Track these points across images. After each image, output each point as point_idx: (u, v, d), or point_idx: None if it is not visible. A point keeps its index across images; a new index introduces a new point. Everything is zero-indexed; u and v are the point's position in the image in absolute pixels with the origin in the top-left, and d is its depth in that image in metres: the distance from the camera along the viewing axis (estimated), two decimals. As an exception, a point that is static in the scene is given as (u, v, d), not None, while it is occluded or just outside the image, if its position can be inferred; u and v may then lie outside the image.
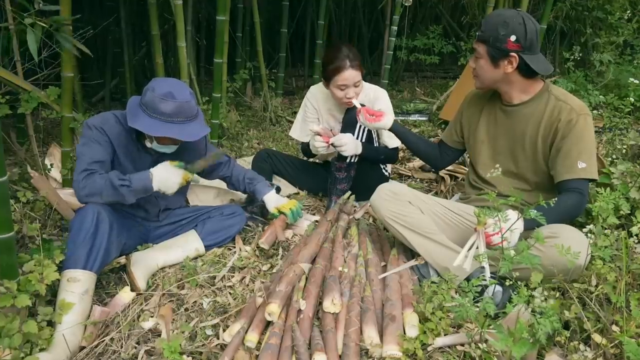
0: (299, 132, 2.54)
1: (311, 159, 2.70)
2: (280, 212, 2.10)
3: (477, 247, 1.49)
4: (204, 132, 1.79)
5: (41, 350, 1.40)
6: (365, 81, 2.38)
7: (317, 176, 2.57)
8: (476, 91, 1.93)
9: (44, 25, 1.86)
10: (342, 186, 2.33)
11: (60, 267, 1.57)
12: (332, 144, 2.18)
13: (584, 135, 1.62)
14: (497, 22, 1.63)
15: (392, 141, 2.34)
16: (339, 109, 2.40)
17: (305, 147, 2.51)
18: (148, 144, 1.84)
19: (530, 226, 1.52)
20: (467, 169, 2.02)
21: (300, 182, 2.62)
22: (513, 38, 1.60)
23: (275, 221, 2.09)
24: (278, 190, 2.48)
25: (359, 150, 2.22)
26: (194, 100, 1.77)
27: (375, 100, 2.34)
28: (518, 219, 1.44)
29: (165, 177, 1.75)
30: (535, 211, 1.28)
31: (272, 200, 2.12)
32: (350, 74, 2.18)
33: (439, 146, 2.11)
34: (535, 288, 1.34)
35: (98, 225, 1.62)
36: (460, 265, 1.49)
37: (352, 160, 2.27)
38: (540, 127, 1.69)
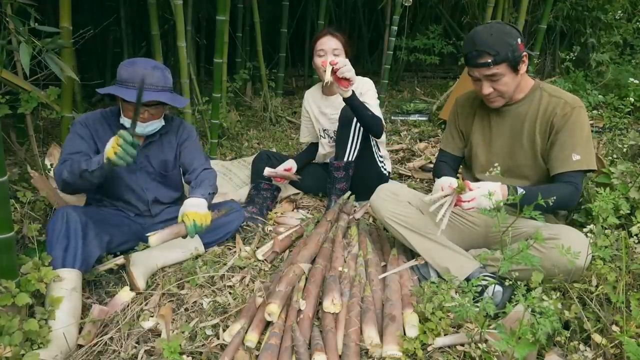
0: (301, 135, 2.72)
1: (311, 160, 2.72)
2: (183, 220, 1.75)
3: (447, 204, 1.59)
4: (154, 97, 1.71)
5: (39, 347, 1.40)
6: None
7: (317, 176, 2.59)
8: (464, 97, 1.93)
9: (37, 44, 1.84)
10: (341, 186, 2.33)
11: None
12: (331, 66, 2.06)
13: (578, 127, 1.62)
14: (500, 38, 1.59)
15: (377, 109, 2.28)
16: (328, 106, 2.49)
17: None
18: (121, 120, 1.86)
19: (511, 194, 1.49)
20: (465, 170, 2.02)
21: (300, 183, 2.63)
22: (519, 40, 1.62)
23: (173, 227, 1.75)
24: (278, 190, 2.48)
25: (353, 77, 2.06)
26: (161, 73, 1.77)
27: (365, 93, 2.32)
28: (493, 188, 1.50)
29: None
30: (521, 189, 1.29)
31: (186, 205, 1.78)
32: (328, 40, 2.30)
33: (447, 162, 2.00)
34: (535, 288, 1.34)
35: (68, 225, 1.65)
36: (429, 205, 1.63)
37: (350, 159, 2.27)
38: (537, 123, 1.70)
